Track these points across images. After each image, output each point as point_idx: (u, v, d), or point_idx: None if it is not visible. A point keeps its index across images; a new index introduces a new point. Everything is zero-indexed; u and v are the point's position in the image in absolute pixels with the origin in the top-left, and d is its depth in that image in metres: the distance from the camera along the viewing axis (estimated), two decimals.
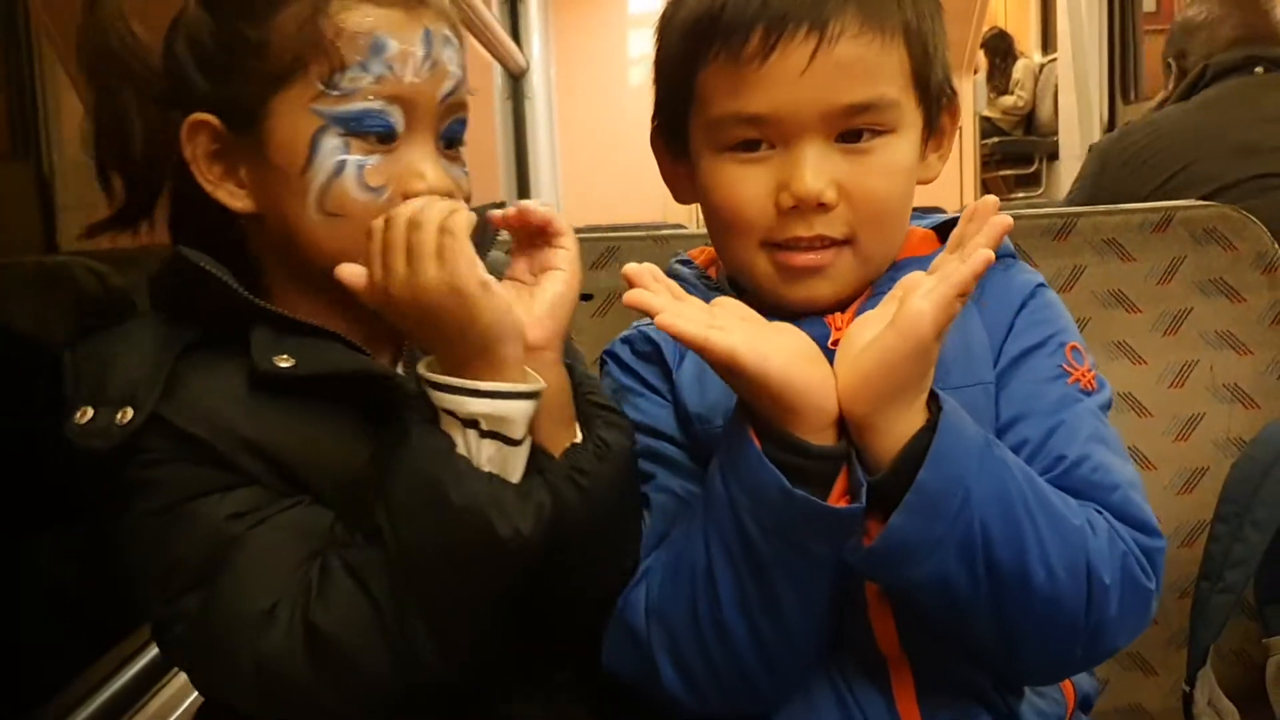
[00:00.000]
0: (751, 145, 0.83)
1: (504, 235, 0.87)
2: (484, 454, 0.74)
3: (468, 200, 0.86)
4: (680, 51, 0.86)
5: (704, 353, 0.72)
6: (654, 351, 0.91)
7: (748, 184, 0.83)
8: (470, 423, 0.74)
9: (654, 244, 1.28)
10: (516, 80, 4.69)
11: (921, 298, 0.71)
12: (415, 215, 0.74)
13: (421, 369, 0.77)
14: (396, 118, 0.81)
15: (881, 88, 0.82)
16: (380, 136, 0.81)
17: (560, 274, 0.83)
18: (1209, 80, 2.24)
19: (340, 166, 0.80)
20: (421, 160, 0.83)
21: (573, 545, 0.79)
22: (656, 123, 0.93)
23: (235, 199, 0.83)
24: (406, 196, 0.81)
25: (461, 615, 0.76)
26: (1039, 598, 0.74)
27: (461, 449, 0.74)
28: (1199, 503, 1.25)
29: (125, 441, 0.76)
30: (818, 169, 0.81)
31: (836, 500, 0.73)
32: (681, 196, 0.91)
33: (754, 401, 0.74)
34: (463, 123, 0.87)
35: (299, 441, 0.79)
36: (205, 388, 0.79)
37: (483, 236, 0.89)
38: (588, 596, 0.84)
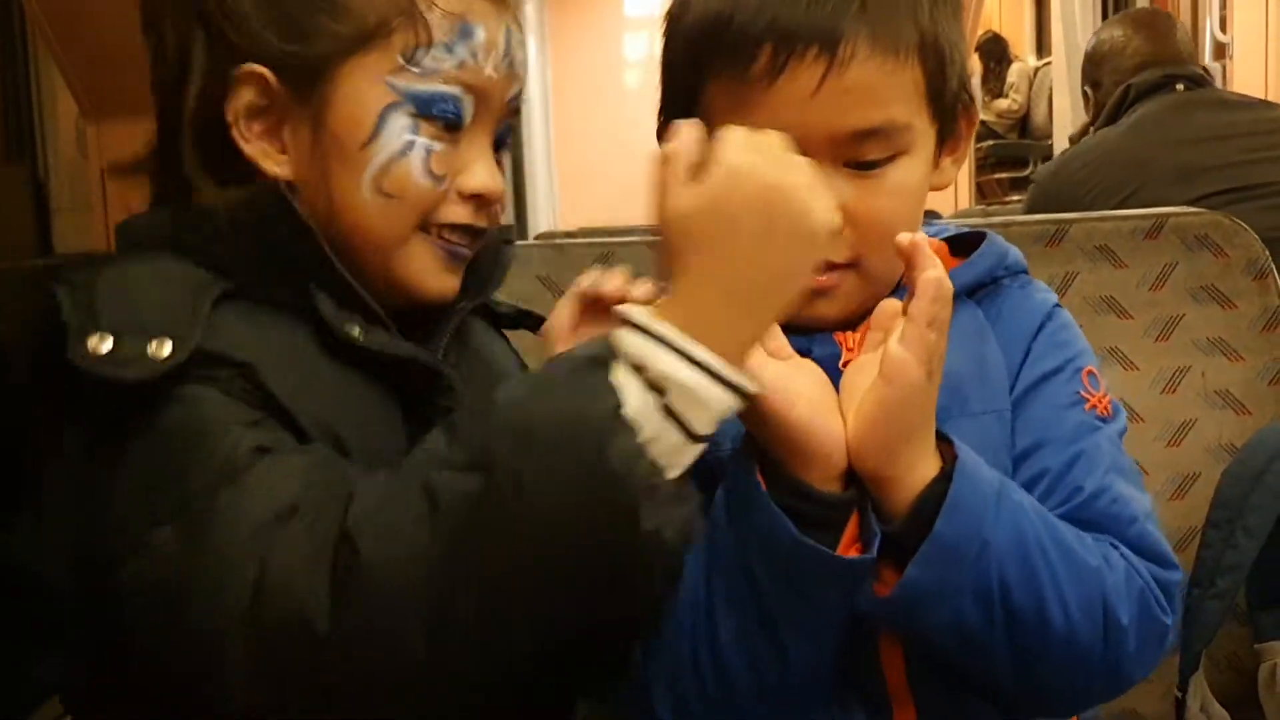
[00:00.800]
0: None
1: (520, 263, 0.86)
2: (657, 435, 0.62)
3: (503, 207, 0.84)
4: (685, 58, 0.83)
5: None
6: None
7: None
8: (658, 388, 0.62)
9: (651, 248, 1.28)
10: None
11: (897, 343, 0.70)
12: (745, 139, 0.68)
13: (631, 311, 0.66)
14: (468, 108, 0.78)
15: (891, 111, 0.79)
16: (448, 124, 0.78)
17: None
18: (1133, 100, 2.27)
19: (408, 147, 0.76)
20: (480, 157, 0.80)
21: None
22: (662, 120, 0.88)
23: (272, 162, 0.76)
24: (461, 192, 0.79)
25: (520, 615, 0.61)
26: (1056, 639, 0.73)
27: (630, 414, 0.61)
28: (1191, 509, 1.25)
29: (164, 374, 0.66)
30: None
31: (846, 548, 0.72)
32: None
33: (766, 442, 0.73)
34: (510, 129, 0.84)
35: (346, 413, 0.72)
36: (249, 335, 0.71)
37: (497, 261, 0.86)
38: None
